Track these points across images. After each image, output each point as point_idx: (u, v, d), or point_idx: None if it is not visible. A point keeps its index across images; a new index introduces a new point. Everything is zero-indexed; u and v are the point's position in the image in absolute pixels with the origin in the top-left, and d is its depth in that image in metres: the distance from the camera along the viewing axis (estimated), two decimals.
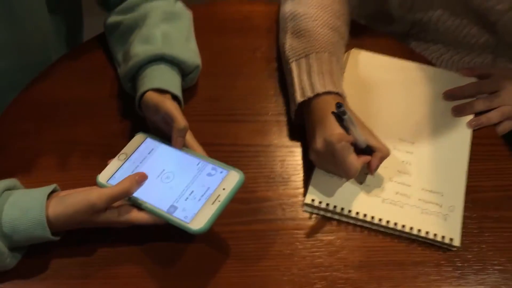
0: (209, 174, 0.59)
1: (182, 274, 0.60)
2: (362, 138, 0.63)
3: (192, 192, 0.58)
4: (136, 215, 0.58)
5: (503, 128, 0.77)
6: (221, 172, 0.59)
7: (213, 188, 0.57)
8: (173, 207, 0.57)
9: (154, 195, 0.58)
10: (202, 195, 0.57)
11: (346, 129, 0.61)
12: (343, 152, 0.62)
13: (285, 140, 0.71)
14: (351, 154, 0.63)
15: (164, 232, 0.61)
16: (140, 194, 0.58)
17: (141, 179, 0.59)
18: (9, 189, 0.59)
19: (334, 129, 0.63)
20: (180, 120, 0.61)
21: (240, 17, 0.86)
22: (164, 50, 0.69)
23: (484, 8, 0.82)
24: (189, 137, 0.64)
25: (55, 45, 0.81)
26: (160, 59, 0.69)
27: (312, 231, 0.64)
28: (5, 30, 0.72)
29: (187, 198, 0.57)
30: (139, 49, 0.70)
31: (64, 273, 0.60)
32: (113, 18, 0.76)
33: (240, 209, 0.65)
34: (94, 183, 0.62)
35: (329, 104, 0.66)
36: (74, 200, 0.57)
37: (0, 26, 0.71)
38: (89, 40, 0.82)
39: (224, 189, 0.57)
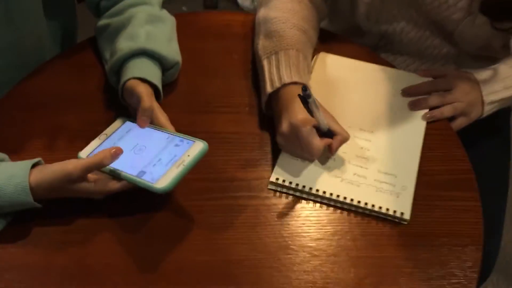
0: (176, 145, 0.65)
1: (151, 240, 0.66)
2: (324, 122, 0.70)
3: (160, 159, 0.64)
4: (109, 185, 0.64)
5: (457, 124, 0.84)
6: (187, 143, 0.65)
7: (179, 155, 0.63)
8: (142, 172, 0.63)
9: (127, 164, 0.65)
10: (169, 161, 0.63)
11: (310, 112, 0.68)
12: (307, 134, 0.69)
13: (255, 128, 0.78)
14: (315, 136, 0.69)
15: (137, 204, 0.68)
16: (115, 165, 0.65)
17: (116, 152, 0.65)
18: None
19: (299, 113, 0.70)
20: (146, 101, 0.69)
21: (220, 24, 0.94)
22: (146, 45, 0.77)
23: (441, 19, 0.90)
24: (164, 119, 0.71)
25: (50, 46, 0.89)
26: (143, 53, 0.77)
27: (276, 206, 0.70)
28: (3, 31, 0.80)
29: (155, 164, 0.64)
30: (124, 45, 0.77)
31: (44, 239, 0.66)
32: (103, 21, 0.84)
33: (210, 186, 0.71)
34: None
35: (295, 93, 0.73)
36: (52, 168, 0.63)
37: (1, 30, 0.79)
38: (81, 42, 0.90)
39: (188, 155, 0.63)
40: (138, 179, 0.63)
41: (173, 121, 0.72)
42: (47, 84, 0.83)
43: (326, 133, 0.71)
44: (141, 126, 0.70)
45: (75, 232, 0.66)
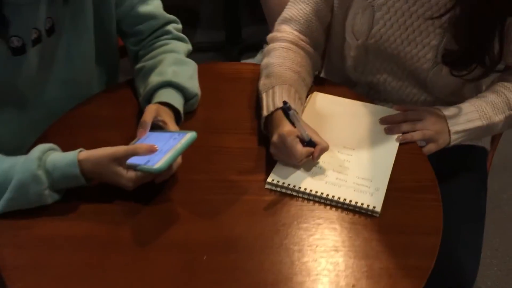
0: (174, 138, 0.84)
1: (168, 221, 0.83)
2: (305, 133, 0.88)
3: (161, 150, 0.82)
4: (134, 174, 0.82)
5: (427, 149, 1.00)
6: (182, 135, 0.84)
7: (174, 144, 0.82)
8: (147, 161, 0.81)
9: (140, 160, 0.82)
10: (166, 150, 0.81)
11: (292, 123, 0.86)
12: (291, 142, 0.87)
13: (255, 145, 0.96)
14: (298, 144, 0.87)
15: (157, 196, 0.85)
16: (133, 160, 0.82)
17: (149, 148, 0.82)
18: (53, 149, 0.85)
19: (286, 126, 0.88)
20: (145, 117, 0.89)
21: (234, 71, 1.15)
22: (172, 79, 0.97)
23: (415, 69, 1.09)
24: (171, 125, 0.90)
25: (97, 83, 1.10)
26: (169, 85, 0.97)
27: (270, 200, 0.86)
28: (65, 68, 1.02)
29: (157, 154, 0.81)
30: (154, 79, 0.98)
31: (83, 216, 0.83)
32: (139, 65, 1.06)
33: (217, 185, 0.88)
34: None
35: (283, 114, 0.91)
36: (100, 149, 0.82)
37: (60, 66, 1.01)
38: (120, 82, 1.12)
39: (180, 143, 0.81)
40: (143, 167, 0.81)
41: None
42: (93, 110, 1.03)
43: (309, 143, 0.88)
44: (138, 136, 0.89)
45: (108, 213, 0.83)
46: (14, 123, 1.00)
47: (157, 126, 0.92)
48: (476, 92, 1.16)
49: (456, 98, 1.13)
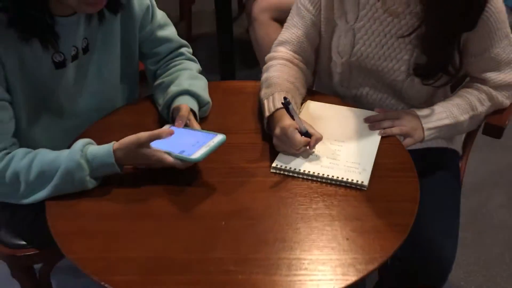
0: (207, 137, 1.02)
1: (188, 196, 0.99)
2: (303, 125, 1.06)
3: (194, 144, 1.00)
4: (165, 156, 0.99)
5: (406, 142, 1.18)
6: (213, 135, 1.02)
7: (207, 141, 1.00)
8: (182, 151, 0.98)
9: (175, 148, 1.00)
10: (200, 145, 0.99)
11: (292, 116, 1.04)
12: (291, 132, 1.04)
13: (259, 141, 1.14)
14: (297, 134, 1.05)
15: (179, 179, 1.01)
16: (169, 148, 0.99)
17: (169, 132, 1.00)
18: (91, 143, 1.02)
19: (286, 121, 1.06)
20: (183, 111, 1.07)
21: (237, 87, 1.34)
22: (189, 88, 1.16)
23: (391, 81, 1.29)
24: (195, 124, 1.08)
25: (121, 98, 1.28)
26: (186, 93, 1.15)
27: (275, 181, 1.03)
28: (96, 82, 1.20)
29: (192, 146, 0.99)
30: (173, 89, 1.17)
31: (118, 197, 0.99)
32: (158, 81, 1.25)
33: (230, 171, 1.05)
34: None
35: (283, 113, 1.09)
36: (127, 138, 1.00)
37: (91, 81, 1.19)
38: (140, 98, 1.30)
39: (213, 142, 1.00)
40: (180, 155, 0.98)
41: None
42: (118, 119, 1.20)
43: (306, 134, 1.06)
44: (177, 126, 1.07)
45: (140, 193, 1.00)
46: (51, 129, 1.17)
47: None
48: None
49: (428, 106, 1.32)
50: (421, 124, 1.20)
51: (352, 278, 0.83)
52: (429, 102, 1.33)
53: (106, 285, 0.82)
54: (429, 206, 1.23)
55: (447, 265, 1.18)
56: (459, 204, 1.31)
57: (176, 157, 0.99)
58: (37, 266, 1.36)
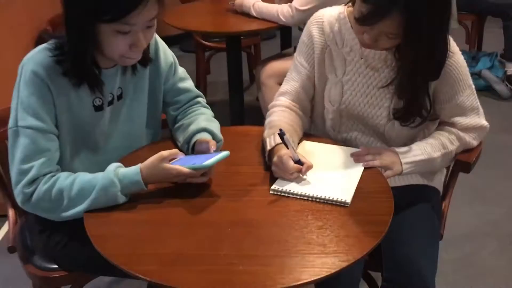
0: (213, 154, 1.25)
1: (202, 200, 1.20)
2: (296, 155, 1.27)
3: (204, 159, 1.22)
4: (181, 167, 1.20)
5: (387, 174, 1.38)
6: (218, 152, 1.25)
7: (214, 155, 1.23)
8: (196, 163, 1.21)
9: (190, 163, 1.22)
10: (209, 158, 1.22)
11: (286, 146, 1.26)
12: (286, 160, 1.26)
13: (262, 171, 1.35)
14: (290, 161, 1.26)
15: (191, 192, 1.22)
16: (185, 164, 1.21)
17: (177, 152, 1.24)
18: (121, 166, 1.24)
19: (282, 151, 1.28)
20: (207, 139, 1.31)
21: (245, 130, 1.59)
22: (205, 126, 1.40)
23: (375, 125, 1.51)
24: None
25: (145, 139, 1.51)
26: (204, 130, 1.39)
27: (273, 199, 1.23)
28: (125, 125, 1.43)
29: (201, 159, 1.22)
30: (192, 128, 1.41)
31: (142, 210, 1.19)
32: (178, 124, 1.49)
33: (236, 192, 1.26)
34: None
35: (280, 148, 1.31)
36: (151, 157, 1.22)
37: (123, 123, 1.43)
38: (162, 139, 1.53)
39: (219, 155, 1.24)
40: (193, 165, 1.21)
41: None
42: (143, 155, 1.40)
43: (298, 162, 1.27)
44: (211, 150, 1.30)
45: (161, 207, 1.20)
46: (87, 162, 1.39)
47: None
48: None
49: None
50: (400, 159, 1.41)
51: (335, 268, 1.01)
52: (409, 144, 1.54)
53: (131, 273, 1.01)
54: (410, 234, 1.42)
55: (428, 282, 1.35)
56: (438, 233, 1.49)
57: (190, 168, 1.21)
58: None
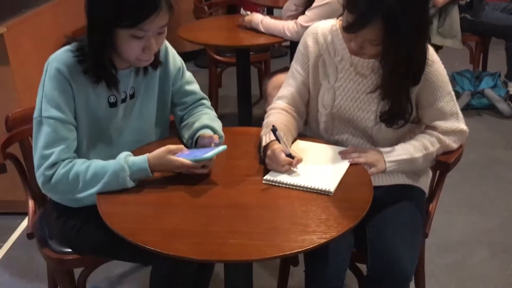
0: (212, 148, 1.39)
1: (204, 189, 1.35)
2: (287, 149, 1.41)
3: (205, 151, 1.37)
4: (184, 160, 1.35)
5: (371, 171, 1.52)
6: (217, 147, 1.39)
7: (212, 149, 1.38)
8: (198, 156, 1.35)
9: (192, 156, 1.36)
10: (208, 151, 1.37)
11: (279, 141, 1.40)
12: (278, 153, 1.41)
13: (257, 164, 1.49)
14: (282, 154, 1.40)
15: (195, 180, 1.37)
16: (188, 157, 1.36)
17: (180, 147, 1.39)
18: (131, 155, 1.39)
19: (275, 145, 1.43)
20: (209, 133, 1.46)
21: (244, 130, 1.74)
22: (209, 123, 1.55)
23: (364, 128, 1.65)
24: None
25: (155, 135, 1.67)
26: (207, 127, 1.55)
27: (265, 187, 1.37)
28: (136, 121, 1.59)
29: (202, 152, 1.36)
30: (196, 125, 1.57)
31: (149, 192, 1.34)
32: (184, 123, 1.65)
33: (232, 180, 1.40)
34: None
35: (274, 144, 1.46)
36: (160, 148, 1.37)
37: (134, 119, 1.58)
38: (169, 136, 1.69)
39: (217, 149, 1.38)
40: (195, 158, 1.35)
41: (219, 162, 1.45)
42: (153, 149, 1.55)
43: (289, 156, 1.42)
44: (214, 143, 1.45)
45: (165, 191, 1.35)
46: (102, 154, 1.54)
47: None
48: None
49: None
50: (384, 158, 1.54)
51: (314, 244, 1.15)
52: (398, 142, 1.67)
53: (135, 243, 1.16)
54: (393, 228, 1.54)
55: (407, 270, 1.47)
56: (420, 229, 1.61)
57: (192, 160, 1.35)
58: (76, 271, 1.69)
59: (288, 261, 1.92)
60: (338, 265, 1.52)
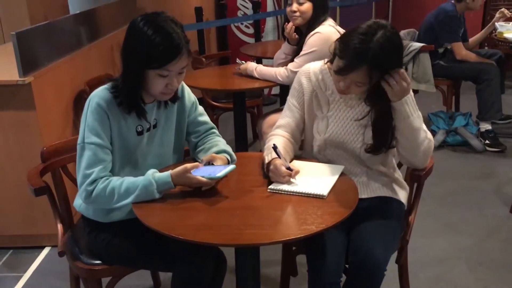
0: (223, 167, 1.68)
1: (214, 198, 1.63)
2: (286, 163, 1.72)
3: (217, 170, 1.66)
4: (199, 177, 1.64)
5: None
6: (227, 165, 1.69)
7: (224, 168, 1.67)
8: (211, 174, 1.64)
9: (206, 174, 1.65)
10: (220, 170, 1.65)
11: (279, 156, 1.70)
12: (279, 166, 1.71)
13: (261, 178, 1.78)
14: (282, 167, 1.70)
15: (205, 193, 1.66)
16: (202, 174, 1.65)
17: (197, 165, 1.67)
18: (156, 171, 1.68)
19: (276, 160, 1.73)
20: (207, 157, 1.76)
21: (249, 155, 2.03)
22: (225, 148, 1.85)
23: (353, 149, 1.96)
24: (221, 162, 1.75)
25: (172, 159, 1.96)
26: (223, 151, 1.84)
27: (270, 195, 1.66)
28: (158, 148, 1.89)
29: (214, 171, 1.65)
30: (213, 149, 1.86)
31: (172, 201, 1.62)
32: (199, 149, 1.94)
33: (242, 188, 1.69)
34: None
35: (274, 161, 1.76)
36: (178, 167, 1.66)
37: (156, 145, 1.88)
38: (184, 159, 1.98)
39: (227, 168, 1.67)
40: (208, 176, 1.64)
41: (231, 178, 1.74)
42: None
43: (288, 168, 1.71)
44: (201, 163, 1.74)
45: (185, 199, 1.63)
46: (129, 175, 1.83)
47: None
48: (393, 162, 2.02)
49: (384, 166, 1.99)
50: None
51: (312, 231, 1.44)
52: (384, 163, 1.99)
53: (167, 234, 1.43)
54: (371, 229, 1.83)
55: (380, 262, 1.74)
56: (397, 233, 1.91)
57: (207, 178, 1.64)
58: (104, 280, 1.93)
59: (288, 272, 2.18)
60: (335, 262, 1.78)
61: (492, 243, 2.84)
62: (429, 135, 1.87)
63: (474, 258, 2.71)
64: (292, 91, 2.05)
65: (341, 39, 1.77)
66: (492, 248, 2.79)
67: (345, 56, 1.74)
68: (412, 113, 1.81)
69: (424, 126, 1.86)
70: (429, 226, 3.00)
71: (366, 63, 1.70)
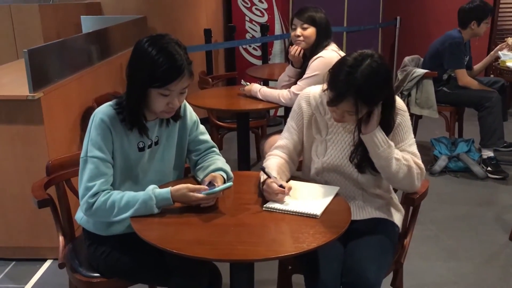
0: (220, 185, 1.73)
1: (214, 213, 1.67)
2: (278, 181, 1.77)
3: (214, 187, 1.70)
4: (197, 194, 1.68)
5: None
6: (226, 183, 1.73)
7: (221, 186, 1.72)
8: (208, 191, 1.69)
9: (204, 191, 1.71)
10: (216, 188, 1.70)
11: (269, 176, 1.76)
12: (271, 184, 1.76)
13: (257, 197, 1.83)
14: (273, 184, 1.76)
15: (203, 209, 1.70)
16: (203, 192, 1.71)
17: (204, 188, 1.72)
18: (157, 187, 1.73)
19: (269, 180, 1.77)
20: (209, 177, 1.80)
21: (246, 174, 2.07)
22: (222, 167, 1.90)
23: (350, 172, 2.00)
24: (220, 182, 1.79)
25: (172, 176, 2.01)
26: (221, 169, 1.90)
27: (265, 213, 1.70)
28: (158, 164, 1.94)
29: (213, 189, 1.70)
30: (212, 167, 1.91)
31: (171, 216, 1.67)
32: (199, 166, 2.00)
33: (239, 207, 1.73)
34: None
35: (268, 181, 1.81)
36: (178, 185, 1.71)
37: (157, 162, 1.93)
38: (185, 177, 2.03)
39: (224, 185, 1.72)
40: (207, 191, 1.69)
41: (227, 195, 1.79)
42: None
43: (281, 186, 1.76)
44: (203, 183, 1.79)
45: (182, 214, 1.68)
46: (130, 190, 1.89)
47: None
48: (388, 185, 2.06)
49: (379, 188, 2.04)
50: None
51: (303, 249, 1.48)
52: (379, 185, 2.03)
53: (163, 248, 1.48)
54: (365, 249, 1.87)
55: (372, 282, 1.77)
56: (390, 254, 1.94)
57: (203, 194, 1.69)
58: None
59: None
60: (332, 283, 1.80)
61: (490, 270, 2.84)
62: (411, 162, 1.90)
63: (471, 284, 2.72)
64: (292, 114, 2.11)
65: (331, 71, 1.84)
66: (490, 274, 2.80)
67: (334, 87, 1.80)
68: (381, 145, 1.86)
69: (400, 155, 1.88)
70: (427, 251, 3.02)
71: (351, 95, 1.77)
